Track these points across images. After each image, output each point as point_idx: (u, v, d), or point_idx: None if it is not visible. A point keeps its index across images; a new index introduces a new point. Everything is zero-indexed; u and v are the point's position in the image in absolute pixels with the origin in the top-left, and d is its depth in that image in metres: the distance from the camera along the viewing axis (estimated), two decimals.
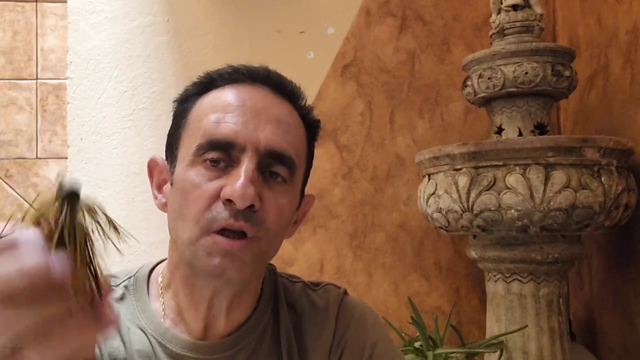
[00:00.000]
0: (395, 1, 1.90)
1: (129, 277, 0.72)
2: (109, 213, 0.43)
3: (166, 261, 0.71)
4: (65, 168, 1.90)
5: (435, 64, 1.88)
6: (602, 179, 1.26)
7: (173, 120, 0.70)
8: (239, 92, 0.66)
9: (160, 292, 0.70)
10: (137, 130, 1.73)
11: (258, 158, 0.62)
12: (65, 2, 1.82)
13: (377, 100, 1.87)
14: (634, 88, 1.45)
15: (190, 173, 0.63)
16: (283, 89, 0.68)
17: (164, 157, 0.71)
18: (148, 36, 1.79)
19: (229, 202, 0.60)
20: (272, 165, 0.63)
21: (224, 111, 0.64)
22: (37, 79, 2.24)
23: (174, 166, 0.66)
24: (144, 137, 1.73)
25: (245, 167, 0.61)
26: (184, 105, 0.69)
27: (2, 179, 2.19)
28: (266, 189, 0.63)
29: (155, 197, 0.70)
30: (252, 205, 0.60)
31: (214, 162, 0.62)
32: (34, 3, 2.24)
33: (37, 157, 2.22)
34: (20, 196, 2.19)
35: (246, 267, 0.61)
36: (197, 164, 0.63)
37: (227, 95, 0.66)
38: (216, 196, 0.61)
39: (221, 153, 0.62)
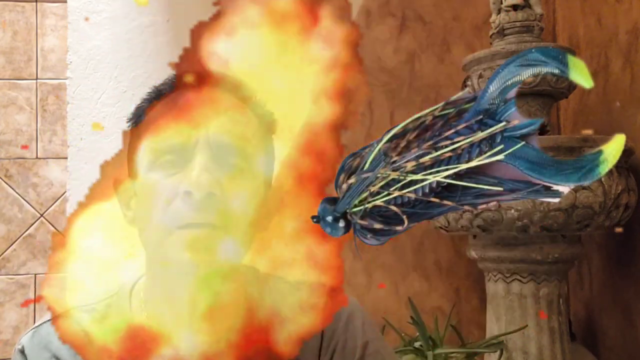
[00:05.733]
0: (395, 1, 1.90)
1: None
2: None
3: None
4: (65, 168, 1.90)
5: (435, 64, 1.88)
6: (602, 179, 1.26)
7: (130, 137, 0.71)
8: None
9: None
10: None
11: (210, 151, 0.63)
12: (65, 2, 1.82)
13: (377, 100, 1.87)
14: (634, 88, 1.45)
15: (149, 176, 0.64)
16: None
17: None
18: (148, 36, 1.79)
19: (188, 195, 0.60)
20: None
21: (171, 115, 0.65)
22: (37, 79, 2.24)
23: (135, 177, 0.67)
24: None
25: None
26: (136, 121, 0.70)
27: (2, 179, 2.19)
28: (225, 177, 0.63)
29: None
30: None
31: (170, 163, 0.63)
32: (34, 3, 2.24)
33: (37, 157, 2.22)
34: (20, 196, 2.19)
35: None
36: (154, 169, 0.64)
37: (173, 99, 0.67)
38: (174, 192, 0.61)
39: (175, 155, 0.63)
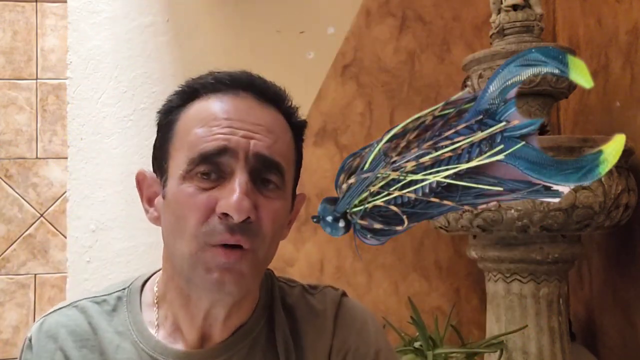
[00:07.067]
0: (395, 1, 1.90)
1: (123, 289, 0.72)
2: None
3: (160, 272, 0.71)
4: (65, 168, 1.90)
5: (435, 64, 1.88)
6: (602, 179, 1.26)
7: (158, 133, 0.69)
8: (224, 103, 0.65)
9: (155, 302, 0.70)
10: (137, 130, 1.73)
11: (249, 167, 0.62)
12: (65, 2, 1.82)
13: (377, 100, 1.87)
14: (634, 88, 1.45)
15: (183, 187, 0.63)
16: (267, 94, 0.68)
17: (152, 170, 0.70)
18: (148, 36, 1.79)
19: (224, 215, 0.60)
20: (263, 173, 0.63)
21: (210, 124, 0.63)
22: (37, 79, 2.24)
23: (165, 179, 0.66)
24: (144, 137, 1.73)
25: (239, 180, 0.61)
26: (168, 117, 0.68)
27: (2, 179, 2.19)
28: (260, 198, 0.63)
29: (147, 211, 0.70)
30: (247, 217, 0.60)
31: (206, 175, 0.62)
32: (34, 3, 2.24)
33: (37, 157, 2.22)
34: (20, 196, 2.19)
35: (245, 280, 0.62)
36: (189, 178, 0.63)
37: (212, 107, 0.65)
38: (211, 209, 0.61)
39: (212, 165, 0.62)
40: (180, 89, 0.69)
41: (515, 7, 1.47)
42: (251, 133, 0.63)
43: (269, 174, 0.64)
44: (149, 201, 0.70)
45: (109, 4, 1.80)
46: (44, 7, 2.25)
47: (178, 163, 0.64)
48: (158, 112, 0.70)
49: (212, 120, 0.64)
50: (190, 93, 0.68)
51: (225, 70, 0.68)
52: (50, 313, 0.71)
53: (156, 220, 0.69)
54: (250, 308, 0.70)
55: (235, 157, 0.62)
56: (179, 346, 0.67)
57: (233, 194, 0.60)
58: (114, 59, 1.78)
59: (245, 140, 0.62)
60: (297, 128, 0.71)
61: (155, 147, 0.70)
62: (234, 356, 0.67)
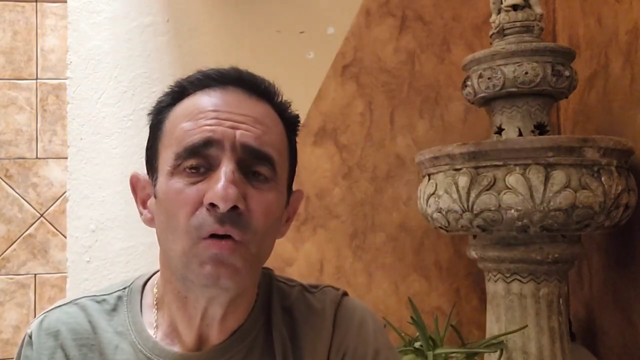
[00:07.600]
0: (395, 1, 1.90)
1: (124, 288, 0.72)
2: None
3: (159, 273, 0.71)
4: (65, 168, 1.90)
5: (435, 64, 1.88)
6: (602, 179, 1.26)
7: (149, 133, 0.69)
8: (211, 97, 0.65)
9: (155, 303, 0.69)
10: (137, 130, 1.73)
11: (236, 157, 0.61)
12: (65, 2, 1.82)
13: (377, 100, 1.87)
14: (634, 88, 1.45)
15: (172, 182, 0.62)
16: (256, 88, 0.67)
17: (145, 172, 0.70)
18: (148, 36, 1.79)
19: (212, 206, 0.59)
20: (252, 165, 0.62)
21: (197, 118, 0.63)
22: (37, 79, 2.24)
23: (156, 179, 0.66)
24: (144, 137, 1.72)
25: (225, 169, 0.60)
26: (158, 117, 0.68)
27: (2, 179, 2.19)
28: (250, 189, 0.62)
29: (141, 214, 0.69)
30: (236, 207, 0.59)
31: (194, 169, 0.61)
32: (34, 3, 2.24)
33: (37, 157, 2.22)
34: (20, 196, 2.19)
35: (239, 274, 0.60)
36: (177, 174, 0.62)
37: (199, 101, 0.65)
38: (199, 202, 0.60)
39: (199, 159, 0.61)
40: (169, 89, 0.69)
41: (515, 7, 1.47)
42: (237, 123, 0.62)
43: (258, 166, 0.63)
44: (143, 203, 0.69)
45: (109, 4, 1.80)
46: (44, 7, 2.25)
47: (166, 160, 0.63)
48: (149, 114, 0.70)
49: (198, 113, 0.63)
50: (179, 92, 0.68)
51: (214, 67, 0.68)
52: (51, 310, 0.70)
53: (150, 222, 0.68)
54: (247, 309, 0.69)
55: (222, 148, 0.61)
56: (177, 348, 0.67)
57: (218, 183, 0.59)
58: (114, 59, 1.78)
59: (231, 130, 0.62)
60: (290, 123, 0.70)
61: (146, 148, 0.70)
62: (231, 359, 0.66)
